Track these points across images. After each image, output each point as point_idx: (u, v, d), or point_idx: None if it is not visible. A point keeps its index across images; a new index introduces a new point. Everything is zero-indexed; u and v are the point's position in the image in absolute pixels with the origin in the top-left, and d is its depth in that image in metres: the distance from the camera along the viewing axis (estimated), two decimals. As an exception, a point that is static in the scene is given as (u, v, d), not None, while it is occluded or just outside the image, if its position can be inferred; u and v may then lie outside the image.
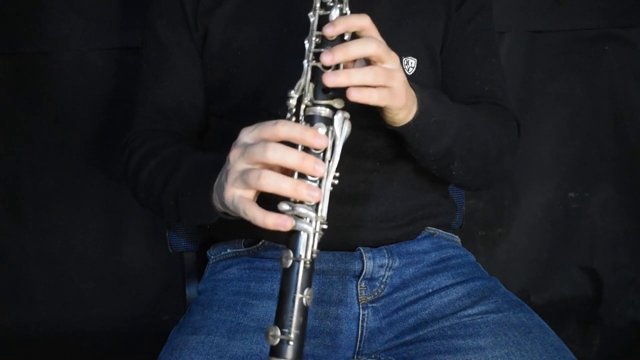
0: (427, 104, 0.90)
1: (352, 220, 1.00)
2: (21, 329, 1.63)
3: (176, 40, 1.07)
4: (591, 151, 1.70)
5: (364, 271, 0.99)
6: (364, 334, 0.98)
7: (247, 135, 0.78)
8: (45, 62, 1.52)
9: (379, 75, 0.79)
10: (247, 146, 0.77)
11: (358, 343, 0.98)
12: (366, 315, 0.98)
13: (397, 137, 1.01)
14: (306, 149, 0.76)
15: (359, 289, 0.99)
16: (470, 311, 0.96)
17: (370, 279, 0.99)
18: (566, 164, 1.71)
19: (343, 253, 1.00)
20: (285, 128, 0.75)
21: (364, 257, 0.99)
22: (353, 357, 0.97)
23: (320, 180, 0.76)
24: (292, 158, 0.74)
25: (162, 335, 1.01)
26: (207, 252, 1.13)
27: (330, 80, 0.76)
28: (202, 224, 0.98)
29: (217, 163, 0.83)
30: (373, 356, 0.96)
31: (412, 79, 0.93)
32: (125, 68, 1.53)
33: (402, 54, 1.01)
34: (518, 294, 1.19)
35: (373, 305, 0.99)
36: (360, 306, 0.98)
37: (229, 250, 1.07)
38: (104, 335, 1.64)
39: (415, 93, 0.88)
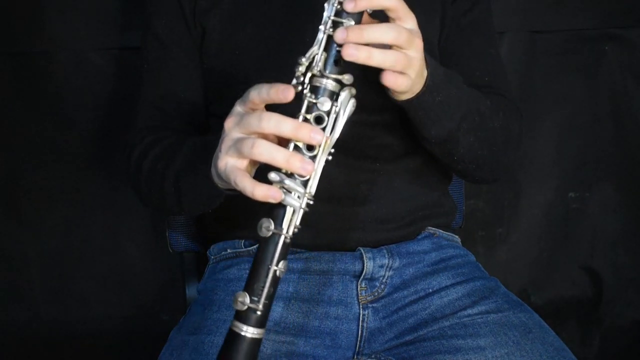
0: (437, 83, 0.87)
1: (352, 221, 1.00)
2: (21, 329, 1.63)
3: (175, 40, 1.07)
4: (591, 151, 1.70)
5: (364, 271, 0.99)
6: (364, 334, 0.98)
7: (238, 106, 0.78)
8: (45, 62, 1.53)
9: (399, 62, 0.77)
10: (242, 115, 0.76)
11: (358, 343, 0.98)
12: (366, 315, 0.98)
13: (398, 136, 1.01)
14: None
15: (359, 289, 0.99)
16: (470, 311, 0.96)
17: (371, 279, 0.99)
18: (566, 164, 1.71)
19: (343, 253, 1.00)
20: (254, 92, 0.74)
21: (364, 257, 0.99)
22: (353, 357, 0.97)
23: (315, 156, 0.74)
24: (287, 126, 0.72)
25: (162, 335, 1.01)
26: (207, 252, 1.13)
27: (349, 53, 0.73)
28: (205, 209, 0.97)
29: (215, 143, 0.81)
30: (373, 356, 0.96)
31: None
32: (125, 68, 1.53)
33: None
34: (518, 294, 1.19)
35: (373, 305, 0.99)
36: (361, 306, 0.98)
37: (229, 250, 1.08)
38: (104, 335, 1.64)
39: (428, 69, 0.85)
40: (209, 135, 1.10)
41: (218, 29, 1.04)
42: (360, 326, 0.98)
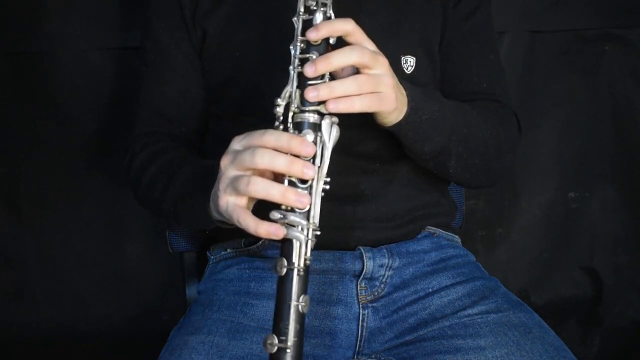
0: (418, 102, 0.90)
1: (352, 220, 1.00)
2: (21, 329, 1.63)
3: (175, 43, 1.07)
4: (591, 151, 1.70)
5: (364, 271, 0.99)
6: (364, 333, 0.98)
7: (237, 143, 0.79)
8: (45, 62, 1.53)
9: (364, 84, 0.80)
10: (236, 153, 0.78)
11: (358, 343, 0.98)
12: (366, 315, 0.98)
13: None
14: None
15: (359, 288, 0.99)
16: (470, 311, 0.96)
17: (370, 279, 1.00)
18: (566, 164, 1.71)
19: (343, 253, 1.00)
20: (272, 137, 0.76)
21: (364, 257, 0.99)
22: (353, 356, 0.97)
23: (311, 186, 0.77)
24: (280, 162, 0.75)
25: (162, 335, 1.01)
26: (207, 252, 1.13)
27: (312, 95, 0.77)
28: (202, 230, 0.98)
29: (213, 171, 0.83)
30: (373, 356, 0.96)
31: (410, 78, 0.93)
32: (125, 68, 1.53)
33: (400, 53, 1.01)
34: (518, 294, 1.19)
35: (373, 305, 0.99)
36: (360, 306, 0.98)
37: (229, 250, 1.08)
38: (104, 335, 1.64)
39: (406, 91, 0.88)
40: (209, 138, 1.11)
41: (218, 31, 1.04)
42: (360, 326, 0.98)
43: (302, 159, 0.76)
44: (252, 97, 1.02)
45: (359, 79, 0.80)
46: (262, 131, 0.77)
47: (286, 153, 0.76)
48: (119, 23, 1.51)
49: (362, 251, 1.00)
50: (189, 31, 1.06)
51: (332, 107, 0.77)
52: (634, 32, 1.65)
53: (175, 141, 1.08)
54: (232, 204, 0.79)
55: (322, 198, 0.78)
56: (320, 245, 0.99)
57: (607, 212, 1.73)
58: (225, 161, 0.79)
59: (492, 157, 1.02)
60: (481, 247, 1.72)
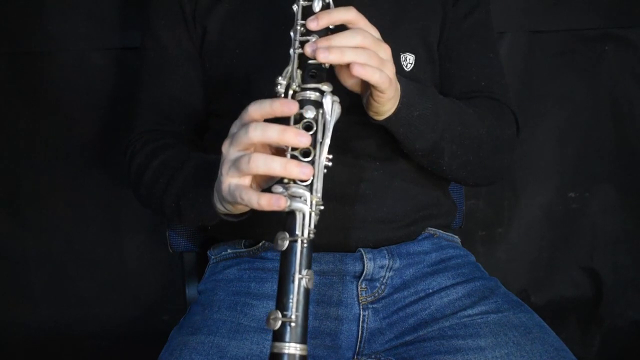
0: (410, 98, 0.90)
1: (353, 221, 1.00)
2: (21, 329, 1.63)
3: (175, 41, 1.07)
4: (591, 151, 1.70)
5: (364, 272, 0.99)
6: (364, 334, 0.98)
7: (234, 126, 0.79)
8: (45, 62, 1.52)
9: (373, 58, 0.79)
10: (233, 135, 0.78)
11: (358, 343, 0.98)
12: (366, 316, 0.98)
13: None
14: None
15: (359, 289, 0.99)
16: (470, 311, 0.96)
17: (371, 280, 1.00)
18: (566, 164, 1.71)
19: (343, 254, 1.00)
20: (255, 106, 0.76)
21: (365, 258, 0.99)
22: (353, 357, 0.97)
23: (313, 161, 0.76)
24: (272, 132, 0.74)
25: (162, 335, 1.01)
26: (208, 252, 1.13)
27: (322, 55, 0.76)
28: (203, 225, 0.98)
29: (216, 165, 0.83)
30: (373, 356, 0.96)
31: (410, 75, 0.93)
32: (125, 68, 1.53)
33: (399, 50, 1.02)
34: (518, 294, 1.19)
35: (373, 306, 0.99)
36: (361, 307, 0.98)
37: (229, 251, 1.08)
38: (104, 335, 1.64)
39: (400, 86, 0.88)
40: (209, 137, 1.11)
41: (218, 28, 1.04)
42: (360, 327, 0.98)
43: (297, 128, 0.75)
44: (253, 94, 1.02)
45: (369, 52, 0.79)
46: (247, 106, 0.77)
47: (278, 123, 0.75)
48: (119, 23, 1.51)
49: (363, 252, 0.99)
50: (189, 29, 1.06)
51: (358, 70, 0.76)
52: (634, 32, 1.65)
53: (176, 139, 1.08)
54: (235, 184, 0.78)
55: (325, 175, 0.76)
56: (320, 246, 0.99)
57: (607, 212, 1.73)
58: (225, 145, 0.79)
59: (487, 155, 1.02)
60: (481, 247, 1.72)
